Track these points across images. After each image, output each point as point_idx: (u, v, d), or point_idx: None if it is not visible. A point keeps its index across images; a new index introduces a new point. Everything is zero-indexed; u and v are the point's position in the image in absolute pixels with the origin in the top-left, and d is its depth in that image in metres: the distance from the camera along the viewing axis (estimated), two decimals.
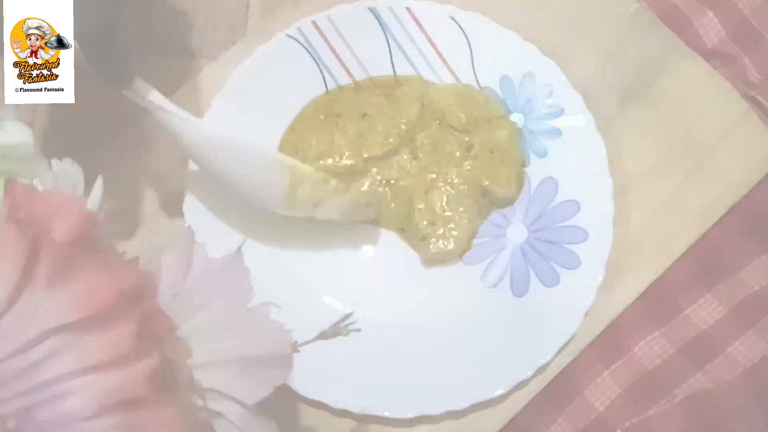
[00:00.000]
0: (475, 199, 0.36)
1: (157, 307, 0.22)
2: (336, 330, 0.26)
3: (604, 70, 0.38)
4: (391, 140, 0.37)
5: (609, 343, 0.35)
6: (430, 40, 0.39)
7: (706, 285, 0.35)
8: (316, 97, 0.39)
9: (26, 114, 0.39)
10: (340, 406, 0.34)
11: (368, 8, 0.39)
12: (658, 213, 0.36)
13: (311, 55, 0.39)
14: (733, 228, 0.35)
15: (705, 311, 0.35)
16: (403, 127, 0.37)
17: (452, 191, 0.36)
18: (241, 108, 0.38)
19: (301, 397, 0.34)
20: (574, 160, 0.36)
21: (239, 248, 0.24)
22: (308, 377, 0.34)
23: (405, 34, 0.39)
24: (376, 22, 0.39)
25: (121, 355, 0.19)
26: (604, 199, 0.34)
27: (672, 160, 0.36)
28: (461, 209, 0.36)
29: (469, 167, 0.36)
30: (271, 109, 0.38)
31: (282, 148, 0.38)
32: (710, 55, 0.39)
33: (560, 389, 0.35)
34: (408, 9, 0.38)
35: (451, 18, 0.38)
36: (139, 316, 0.20)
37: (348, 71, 0.39)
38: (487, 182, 0.36)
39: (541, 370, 0.34)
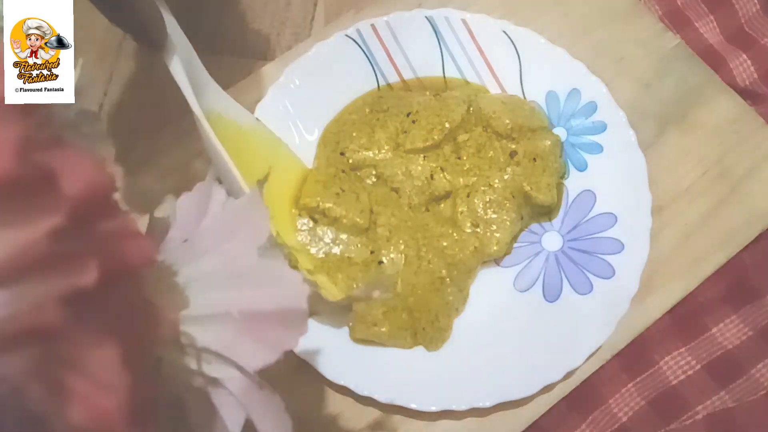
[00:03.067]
0: (517, 204, 0.37)
1: (131, 227, 0.17)
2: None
3: (644, 96, 0.40)
4: (435, 136, 0.37)
5: (635, 355, 0.35)
6: (481, 51, 0.40)
7: (732, 306, 0.36)
8: (365, 93, 0.40)
9: (95, 98, 0.41)
10: (365, 393, 0.34)
11: (425, 17, 0.40)
12: (690, 233, 0.37)
13: (366, 54, 0.40)
14: (761, 253, 0.36)
15: (731, 332, 0.35)
16: (447, 125, 0.37)
17: (494, 195, 0.37)
18: (293, 97, 0.39)
19: (327, 381, 0.34)
20: (613, 174, 0.37)
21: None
22: (337, 362, 0.34)
23: (458, 43, 0.40)
24: (432, 30, 0.40)
25: (30, 261, 0.14)
26: (642, 212, 0.35)
27: (705, 185, 0.38)
28: (503, 212, 0.36)
29: (511, 173, 0.37)
30: (321, 99, 0.40)
31: (324, 136, 0.39)
32: (743, 93, 0.40)
33: (584, 396, 0.35)
34: (463, 21, 0.40)
35: (504, 32, 0.40)
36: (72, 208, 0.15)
37: (399, 72, 0.41)
38: (528, 188, 0.36)
39: (568, 375, 0.34)
